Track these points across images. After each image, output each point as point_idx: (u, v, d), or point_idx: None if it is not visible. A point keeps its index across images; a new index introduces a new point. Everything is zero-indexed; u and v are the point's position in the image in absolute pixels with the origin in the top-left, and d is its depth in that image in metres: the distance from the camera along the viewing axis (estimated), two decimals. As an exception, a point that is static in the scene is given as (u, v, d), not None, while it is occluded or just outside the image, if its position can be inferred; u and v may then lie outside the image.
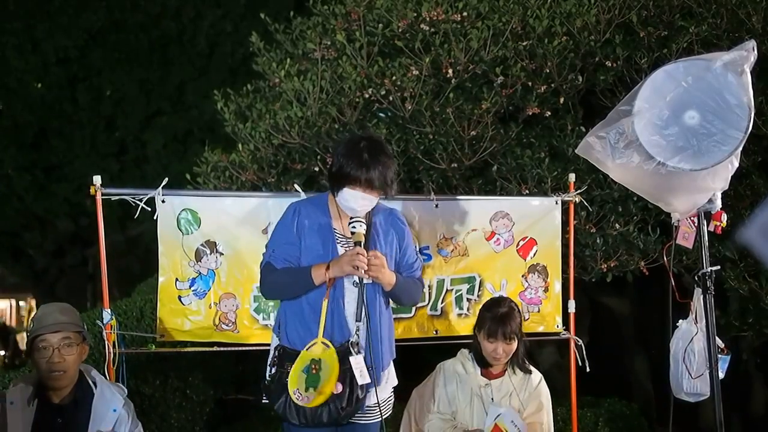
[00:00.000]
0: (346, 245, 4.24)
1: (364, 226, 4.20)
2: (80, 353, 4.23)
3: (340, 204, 4.23)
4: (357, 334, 4.16)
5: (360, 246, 4.13)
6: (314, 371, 4.04)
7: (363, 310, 4.15)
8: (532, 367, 4.93)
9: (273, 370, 4.19)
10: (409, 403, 4.86)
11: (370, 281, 4.19)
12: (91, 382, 4.27)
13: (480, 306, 5.02)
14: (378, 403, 4.22)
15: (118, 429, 4.20)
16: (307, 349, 4.08)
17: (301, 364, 4.06)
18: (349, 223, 4.21)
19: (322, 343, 4.10)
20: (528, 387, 4.86)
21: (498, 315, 4.74)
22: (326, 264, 4.13)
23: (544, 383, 4.95)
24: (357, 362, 4.10)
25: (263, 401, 4.33)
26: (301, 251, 4.23)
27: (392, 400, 4.47)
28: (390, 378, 4.41)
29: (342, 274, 4.14)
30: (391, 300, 4.41)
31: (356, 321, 4.16)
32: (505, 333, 4.71)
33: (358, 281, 4.15)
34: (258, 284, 4.88)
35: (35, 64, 13.38)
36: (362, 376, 4.09)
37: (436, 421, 4.75)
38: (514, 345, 4.75)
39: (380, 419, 4.34)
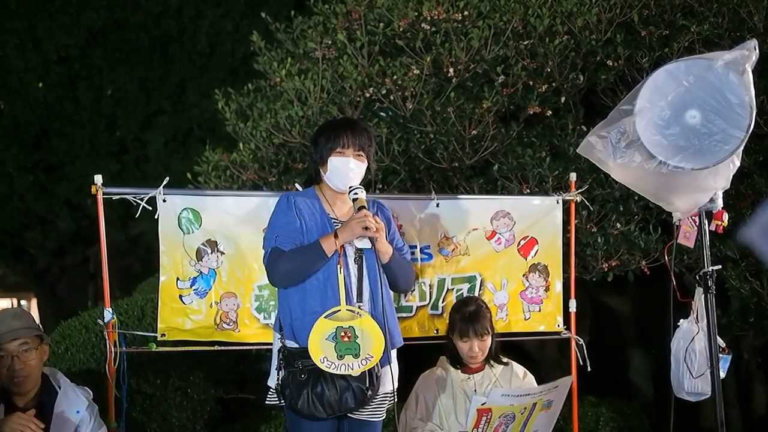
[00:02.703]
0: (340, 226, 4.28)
1: (365, 192, 4.27)
2: (41, 355, 4.23)
3: (330, 180, 4.30)
4: (359, 314, 4.18)
5: (365, 209, 4.18)
6: (346, 338, 4.07)
7: (367, 292, 4.22)
8: (508, 359, 4.96)
9: (283, 373, 4.18)
10: (400, 424, 4.87)
11: (371, 248, 4.20)
12: (55, 385, 4.26)
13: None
14: (393, 387, 4.28)
15: (79, 430, 4.20)
16: (326, 317, 4.09)
17: (320, 332, 4.07)
18: (350, 191, 4.26)
19: (349, 310, 4.12)
20: (514, 378, 4.88)
21: (467, 314, 4.81)
22: (333, 233, 4.16)
23: (530, 375, 4.97)
24: None
25: (267, 402, 4.34)
26: (303, 233, 4.25)
27: (389, 400, 4.48)
28: (394, 371, 4.41)
29: (352, 237, 4.17)
30: (389, 284, 4.43)
31: (357, 300, 4.20)
32: (477, 330, 4.77)
33: (358, 255, 4.21)
34: (259, 283, 4.89)
35: (36, 63, 13.35)
36: None
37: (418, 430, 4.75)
38: (488, 341, 4.81)
39: (382, 417, 4.38)
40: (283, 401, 4.21)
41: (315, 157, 4.35)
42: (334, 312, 4.12)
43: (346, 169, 4.26)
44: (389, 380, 4.35)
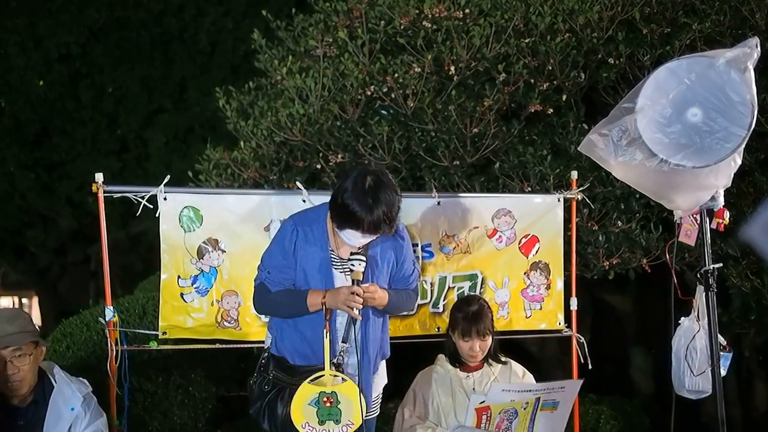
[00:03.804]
0: (340, 266, 4.20)
1: (364, 264, 4.11)
2: (35, 358, 4.18)
3: (338, 234, 4.13)
4: (341, 355, 4.15)
5: (358, 284, 4.07)
6: (328, 404, 4.03)
7: (352, 334, 4.15)
8: (507, 358, 4.95)
9: (255, 375, 4.25)
10: (396, 420, 4.86)
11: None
12: (52, 379, 4.24)
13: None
14: (363, 421, 4.16)
15: (74, 427, 4.17)
16: (309, 382, 4.05)
17: (304, 397, 4.03)
18: (349, 260, 4.13)
19: (332, 375, 4.07)
20: (513, 377, 4.87)
21: (470, 314, 4.78)
22: (323, 293, 4.09)
23: (529, 374, 4.96)
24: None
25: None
26: (296, 270, 4.19)
27: (379, 400, 4.47)
28: (379, 378, 4.42)
29: (336, 308, 4.11)
30: None
31: (342, 342, 4.16)
32: (479, 330, 4.75)
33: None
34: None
35: (37, 61, 13.34)
36: None
37: (417, 429, 4.74)
38: (489, 341, 4.79)
39: (376, 414, 4.41)
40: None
41: (336, 204, 4.03)
42: (319, 377, 4.07)
43: (355, 242, 4.09)
44: (377, 388, 4.37)
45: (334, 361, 4.11)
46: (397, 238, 4.32)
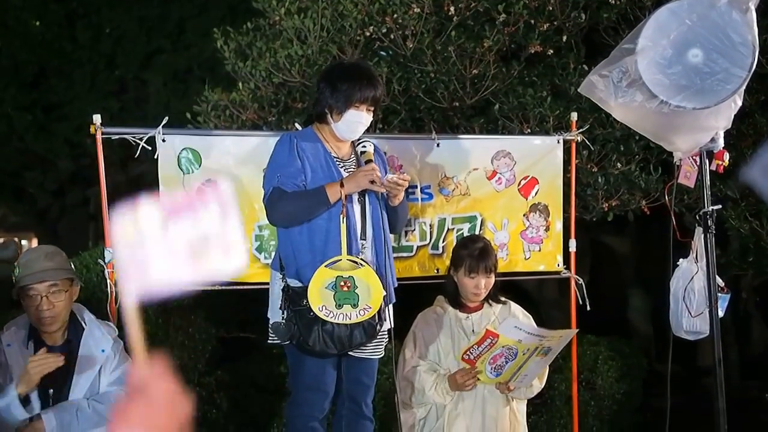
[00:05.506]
0: (343, 167, 4.34)
1: (372, 145, 4.37)
2: (70, 296, 4.22)
3: (338, 129, 4.31)
4: (363, 252, 4.25)
5: (372, 162, 4.25)
6: (345, 288, 4.11)
7: (369, 230, 4.30)
8: (506, 299, 4.96)
9: (287, 313, 4.23)
10: (399, 363, 4.88)
11: (379, 194, 4.27)
12: (82, 322, 4.27)
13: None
14: (390, 326, 4.35)
15: (104, 368, 4.22)
16: (326, 266, 4.13)
17: (320, 280, 4.11)
18: (359, 143, 4.37)
19: (349, 260, 4.16)
20: (512, 317, 4.89)
21: (477, 251, 4.77)
22: (339, 182, 4.18)
23: (529, 315, 4.97)
24: None
25: (269, 341, 4.38)
26: (305, 172, 4.27)
27: (391, 336, 4.52)
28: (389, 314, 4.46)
29: (357, 190, 4.23)
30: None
31: (360, 239, 4.26)
32: (486, 267, 4.74)
33: (360, 193, 4.27)
34: (259, 223, 4.89)
35: (33, 1, 13.24)
36: None
37: (422, 375, 4.75)
38: (493, 278, 4.79)
39: (381, 355, 4.46)
40: (288, 340, 4.26)
41: (329, 102, 4.31)
42: (335, 261, 4.15)
43: (357, 123, 4.29)
44: (387, 318, 4.39)
45: (360, 257, 4.22)
46: (378, 149, 4.59)
